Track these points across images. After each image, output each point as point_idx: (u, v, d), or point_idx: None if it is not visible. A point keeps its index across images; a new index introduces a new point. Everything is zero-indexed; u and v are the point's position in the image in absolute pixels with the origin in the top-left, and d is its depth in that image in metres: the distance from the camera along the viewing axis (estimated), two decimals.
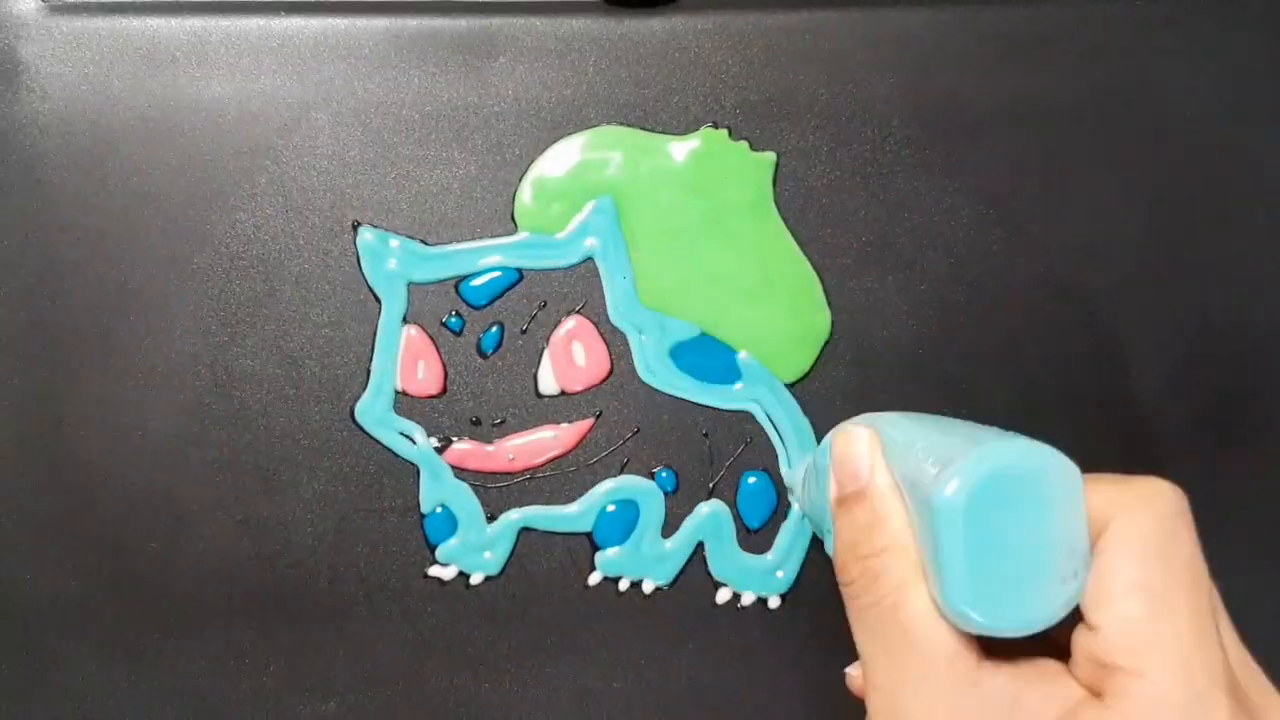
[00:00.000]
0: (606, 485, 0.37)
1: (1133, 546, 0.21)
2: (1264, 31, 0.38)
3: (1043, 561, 0.22)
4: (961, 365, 0.37)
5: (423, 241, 0.37)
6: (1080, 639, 0.22)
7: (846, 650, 0.27)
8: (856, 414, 0.37)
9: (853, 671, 0.28)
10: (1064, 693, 0.22)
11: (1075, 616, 0.23)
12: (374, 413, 0.37)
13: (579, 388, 0.37)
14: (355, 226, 0.37)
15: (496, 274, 0.37)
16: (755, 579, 0.37)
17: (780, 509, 0.37)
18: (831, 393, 0.37)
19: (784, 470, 0.37)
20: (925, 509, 0.23)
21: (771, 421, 0.37)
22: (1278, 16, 0.38)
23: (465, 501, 0.37)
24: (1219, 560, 0.38)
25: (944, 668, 0.22)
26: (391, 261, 0.36)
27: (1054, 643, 0.23)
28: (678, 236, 0.37)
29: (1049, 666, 0.23)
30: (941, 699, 0.22)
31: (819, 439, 0.37)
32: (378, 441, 0.37)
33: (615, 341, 0.37)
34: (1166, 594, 0.21)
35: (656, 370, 0.37)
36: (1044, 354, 0.38)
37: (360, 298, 0.37)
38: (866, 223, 0.37)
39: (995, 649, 0.23)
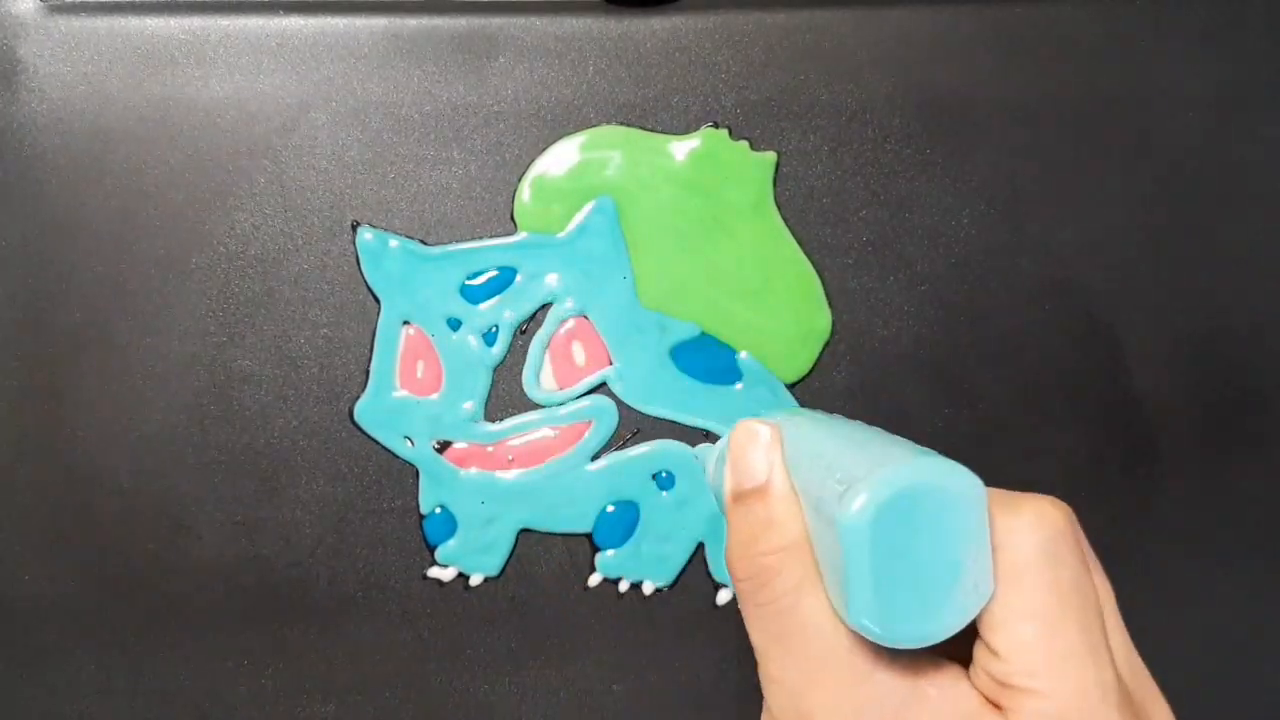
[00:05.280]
0: (600, 464, 0.37)
1: (1020, 573, 0.23)
2: (1264, 32, 0.38)
3: (949, 574, 0.22)
4: (961, 365, 0.37)
5: (422, 241, 0.36)
6: (981, 655, 0.23)
7: None
8: (857, 414, 0.37)
9: None
10: (963, 698, 0.23)
11: (973, 627, 0.23)
12: (373, 413, 0.37)
13: None
14: (354, 226, 0.36)
15: (495, 273, 0.37)
16: None
17: None
18: (831, 393, 0.37)
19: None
20: (827, 525, 0.23)
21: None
22: (1278, 16, 0.38)
23: (465, 501, 0.37)
24: (1219, 560, 0.38)
25: (843, 663, 0.23)
26: (390, 261, 0.36)
27: (949, 643, 0.24)
28: (678, 236, 0.37)
29: (948, 668, 0.24)
30: (841, 693, 0.23)
31: None
32: (377, 442, 0.37)
33: None
34: (1056, 616, 0.22)
35: (639, 393, 0.37)
36: (1044, 354, 0.38)
37: (359, 298, 0.37)
38: (867, 222, 0.37)
39: None
